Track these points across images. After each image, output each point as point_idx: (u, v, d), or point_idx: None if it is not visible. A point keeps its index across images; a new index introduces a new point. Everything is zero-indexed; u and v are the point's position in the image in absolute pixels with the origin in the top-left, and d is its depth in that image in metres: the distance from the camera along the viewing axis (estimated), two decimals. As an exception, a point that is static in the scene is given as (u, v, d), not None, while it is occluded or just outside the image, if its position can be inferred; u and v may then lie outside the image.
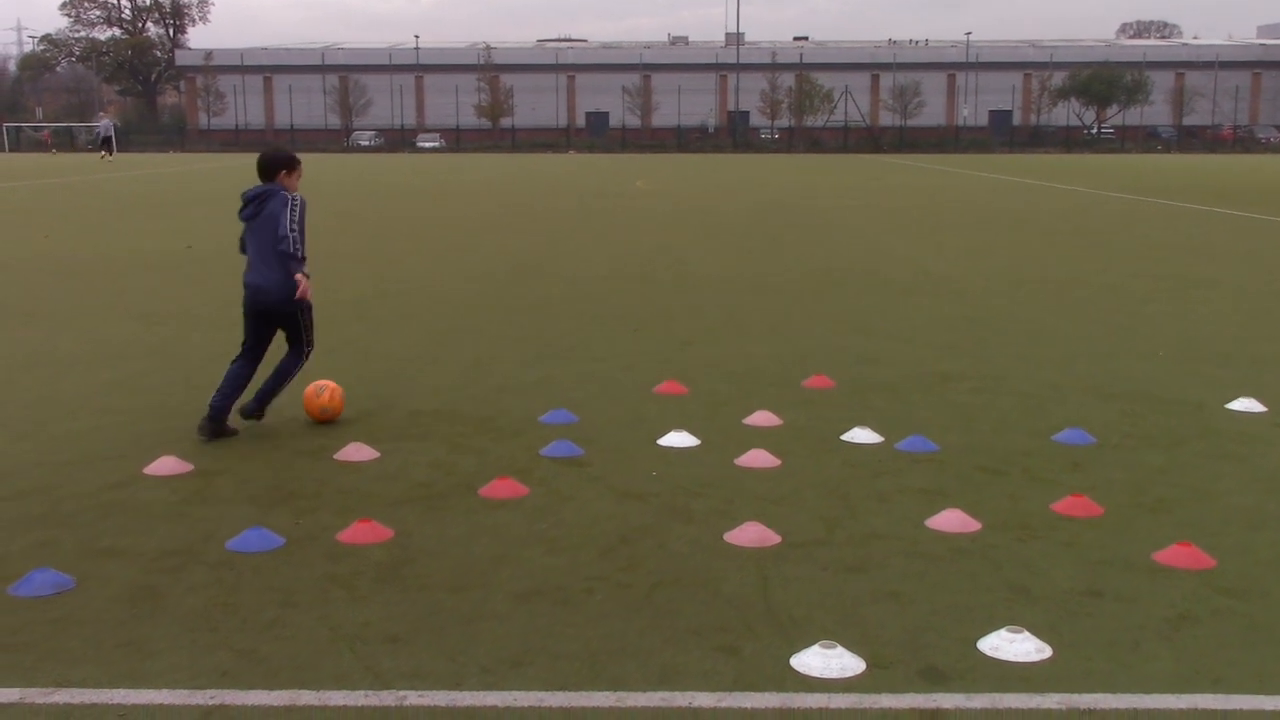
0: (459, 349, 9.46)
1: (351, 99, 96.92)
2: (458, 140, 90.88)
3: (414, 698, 3.64)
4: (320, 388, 7.10)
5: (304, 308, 6.89)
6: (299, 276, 6.70)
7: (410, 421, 7.12)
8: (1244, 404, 7.44)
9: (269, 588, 4.51)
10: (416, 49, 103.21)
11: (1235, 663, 3.88)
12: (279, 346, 7.03)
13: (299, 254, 6.68)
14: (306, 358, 7.06)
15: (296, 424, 7.02)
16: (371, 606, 4.34)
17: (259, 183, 6.88)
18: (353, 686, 3.71)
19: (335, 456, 6.31)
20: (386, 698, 3.64)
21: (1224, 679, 3.77)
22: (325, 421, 7.06)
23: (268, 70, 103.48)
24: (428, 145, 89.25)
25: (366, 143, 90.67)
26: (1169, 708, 3.58)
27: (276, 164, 6.86)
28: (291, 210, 6.68)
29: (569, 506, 5.50)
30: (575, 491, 5.72)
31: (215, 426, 6.70)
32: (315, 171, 48.83)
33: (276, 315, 6.86)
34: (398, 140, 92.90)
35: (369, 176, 44.14)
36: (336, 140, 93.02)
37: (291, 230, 6.64)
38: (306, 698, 3.64)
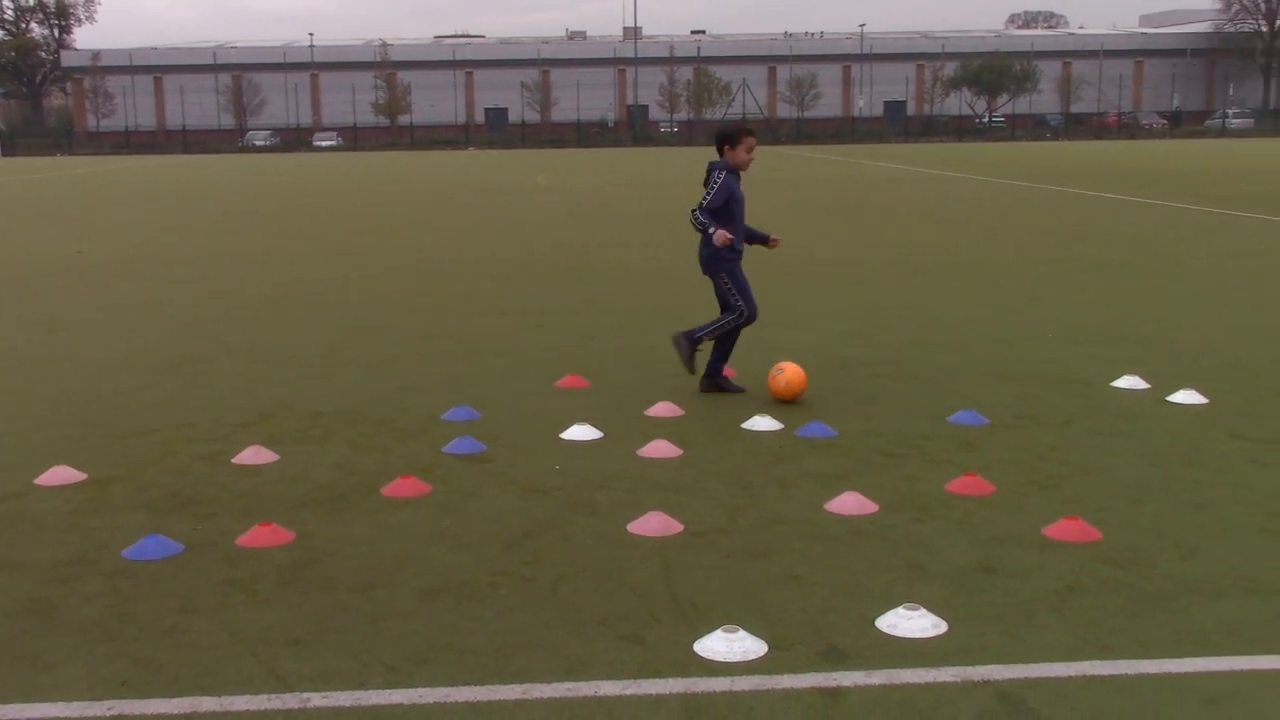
0: (360, 348, 9.38)
1: (245, 99, 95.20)
2: (355, 139, 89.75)
3: (318, 700, 3.62)
4: (779, 369, 7.33)
5: (721, 274, 7.47)
6: (715, 234, 7.20)
7: (311, 422, 7.05)
8: (1129, 381, 7.68)
9: (168, 595, 4.45)
10: (311, 47, 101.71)
11: (1120, 630, 4.02)
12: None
13: (698, 219, 7.28)
14: (738, 320, 7.49)
15: (194, 427, 6.92)
16: (273, 610, 4.30)
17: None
18: (255, 691, 3.68)
19: (234, 460, 6.23)
20: (290, 701, 3.62)
21: (1110, 646, 3.90)
22: (787, 400, 7.25)
23: (158, 70, 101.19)
24: (325, 144, 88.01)
25: (262, 143, 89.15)
26: (1058, 676, 3.69)
27: (719, 139, 7.46)
28: (713, 183, 7.27)
29: (472, 503, 5.50)
30: (478, 488, 5.72)
31: (684, 339, 7.58)
32: (210, 173, 47.94)
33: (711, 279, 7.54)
34: (294, 140, 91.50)
35: (265, 177, 43.43)
36: (231, 140, 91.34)
37: (704, 200, 7.27)
38: (208, 704, 3.60)
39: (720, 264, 7.46)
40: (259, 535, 4.99)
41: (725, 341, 7.60)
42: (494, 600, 4.37)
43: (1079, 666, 3.75)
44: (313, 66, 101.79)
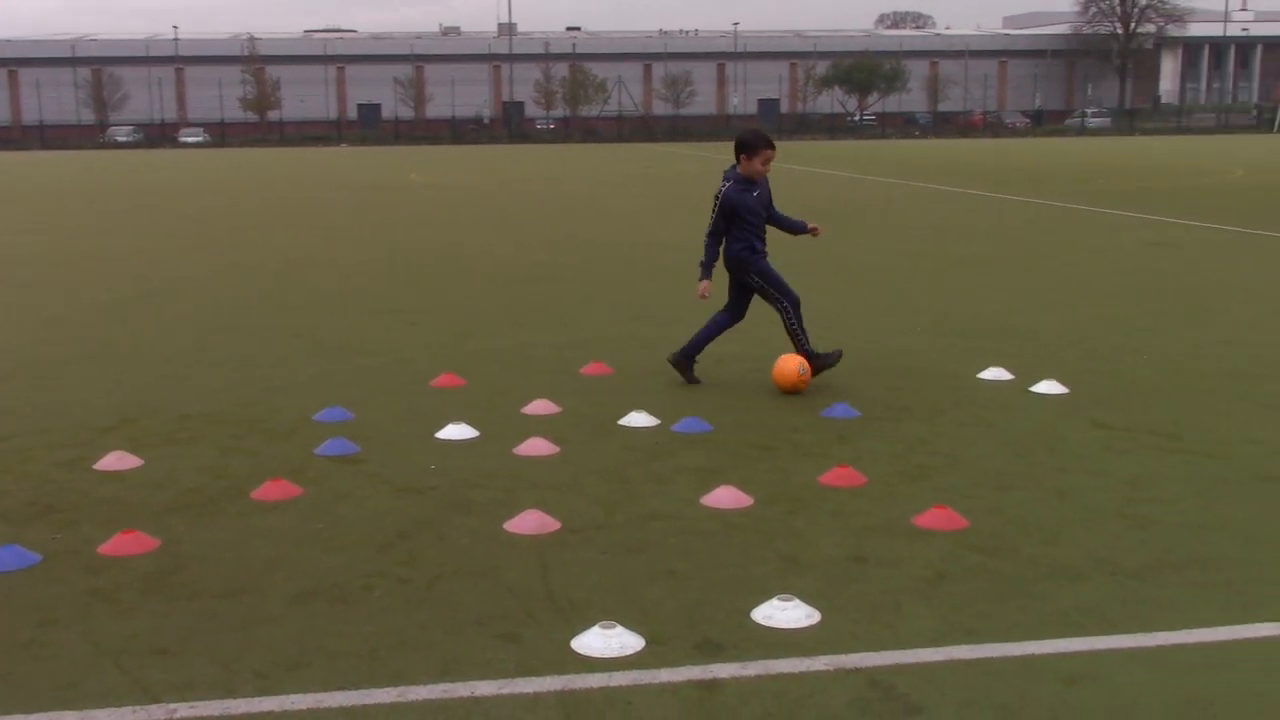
0: (229, 348, 9.17)
1: (106, 93, 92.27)
2: (223, 135, 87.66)
3: (185, 710, 3.53)
4: (803, 365, 7.48)
5: (751, 274, 7.64)
6: (698, 288, 7.67)
7: (177, 426, 6.86)
8: (993, 373, 7.89)
9: (26, 607, 4.28)
10: (175, 40, 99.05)
11: (987, 615, 4.13)
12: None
13: (705, 253, 7.56)
14: (788, 313, 7.63)
15: (52, 433, 6.68)
16: (138, 619, 4.18)
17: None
18: (119, 703, 3.57)
19: (95, 466, 6.02)
20: (156, 712, 3.51)
21: (977, 630, 4.00)
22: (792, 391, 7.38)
23: (12, 64, 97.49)
24: (191, 140, 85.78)
25: (124, 138, 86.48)
26: (927, 661, 3.78)
27: (737, 145, 7.52)
28: (715, 201, 7.50)
29: (345, 504, 5.41)
30: (351, 489, 5.63)
31: (680, 361, 7.75)
32: (71, 170, 46.36)
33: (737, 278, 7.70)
34: (158, 136, 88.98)
35: (129, 174, 42.16)
36: (92, 137, 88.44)
37: (708, 230, 7.55)
38: (69, 718, 3.48)
39: (745, 265, 7.59)
40: (122, 543, 4.84)
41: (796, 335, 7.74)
42: (368, 603, 4.30)
43: (947, 651, 3.84)
44: (177, 60, 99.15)
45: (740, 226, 7.52)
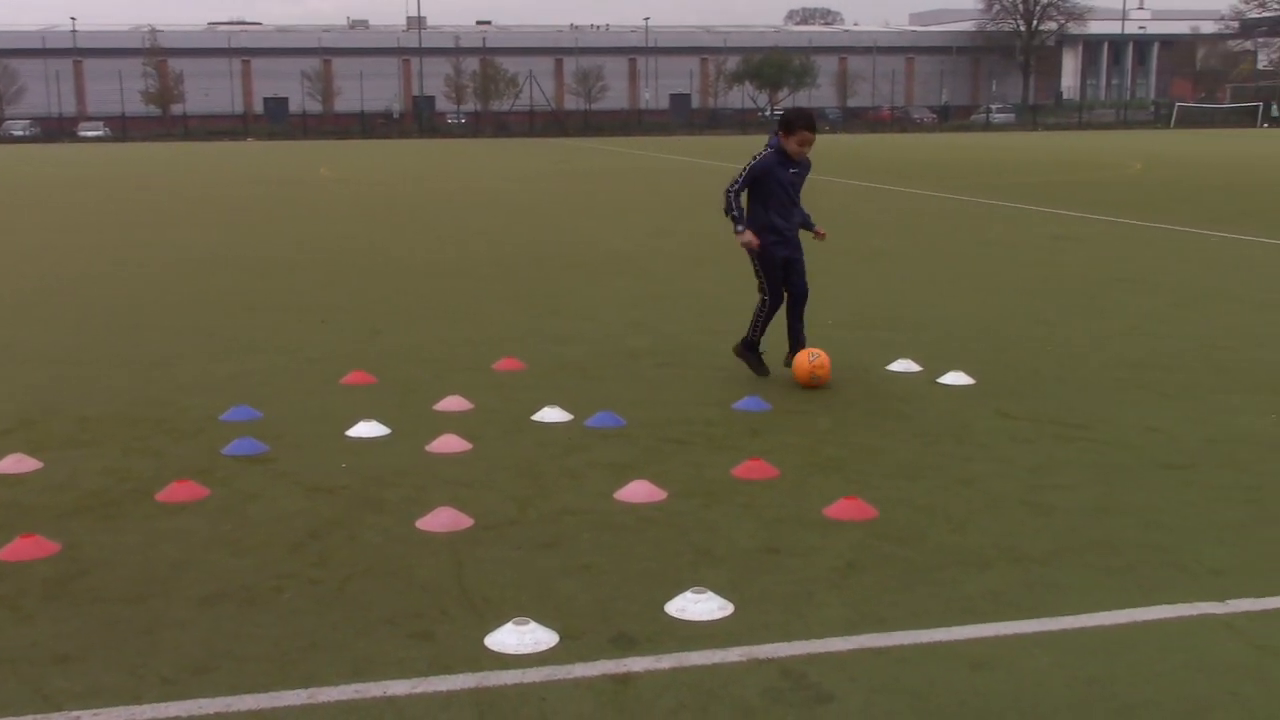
0: (134, 348, 8.97)
1: (1, 86, 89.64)
2: (124, 129, 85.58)
3: (88, 717, 3.45)
4: (813, 353, 7.48)
5: (754, 255, 7.60)
6: (739, 235, 7.48)
7: (79, 427, 6.70)
8: (902, 365, 8.01)
9: (-81, 616, 4.16)
10: (73, 32, 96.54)
11: (897, 603, 4.20)
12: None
13: (727, 201, 7.45)
14: (762, 307, 7.71)
15: (-53, 438, 6.48)
16: (38, 625, 4.07)
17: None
18: (19, 712, 3.48)
19: (-7, 470, 5.86)
20: (58, 720, 3.44)
21: (887, 619, 4.07)
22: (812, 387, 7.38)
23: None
24: (91, 134, 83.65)
25: (20, 133, 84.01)
26: (838, 650, 3.83)
27: (779, 120, 7.55)
28: (750, 162, 7.46)
29: (254, 505, 5.33)
30: (260, 489, 5.55)
31: (742, 349, 7.83)
32: (-38, 164, 44.97)
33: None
34: (56, 130, 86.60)
35: (26, 168, 41.02)
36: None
37: (731, 184, 7.47)
38: (-34, 729, 3.39)
39: (750, 248, 7.58)
40: (21, 548, 4.71)
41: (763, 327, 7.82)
42: (278, 604, 4.25)
43: (857, 640, 3.90)
44: (76, 53, 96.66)
45: (765, 197, 7.53)
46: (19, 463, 5.91)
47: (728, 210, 7.46)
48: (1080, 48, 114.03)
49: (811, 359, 7.46)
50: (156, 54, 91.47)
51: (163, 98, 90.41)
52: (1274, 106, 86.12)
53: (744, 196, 7.57)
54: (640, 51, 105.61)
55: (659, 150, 53.07)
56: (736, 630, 3.98)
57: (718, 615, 4.08)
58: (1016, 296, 11.09)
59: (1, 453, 6.07)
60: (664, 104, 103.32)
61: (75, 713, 3.47)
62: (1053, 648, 3.85)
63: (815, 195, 24.41)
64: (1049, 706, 3.48)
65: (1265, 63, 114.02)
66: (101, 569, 4.59)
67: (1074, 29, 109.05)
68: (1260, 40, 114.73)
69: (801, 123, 7.46)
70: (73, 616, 4.15)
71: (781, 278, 7.74)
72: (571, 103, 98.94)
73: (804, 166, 7.67)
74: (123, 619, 4.13)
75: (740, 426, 6.61)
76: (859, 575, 4.46)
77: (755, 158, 7.50)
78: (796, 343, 7.79)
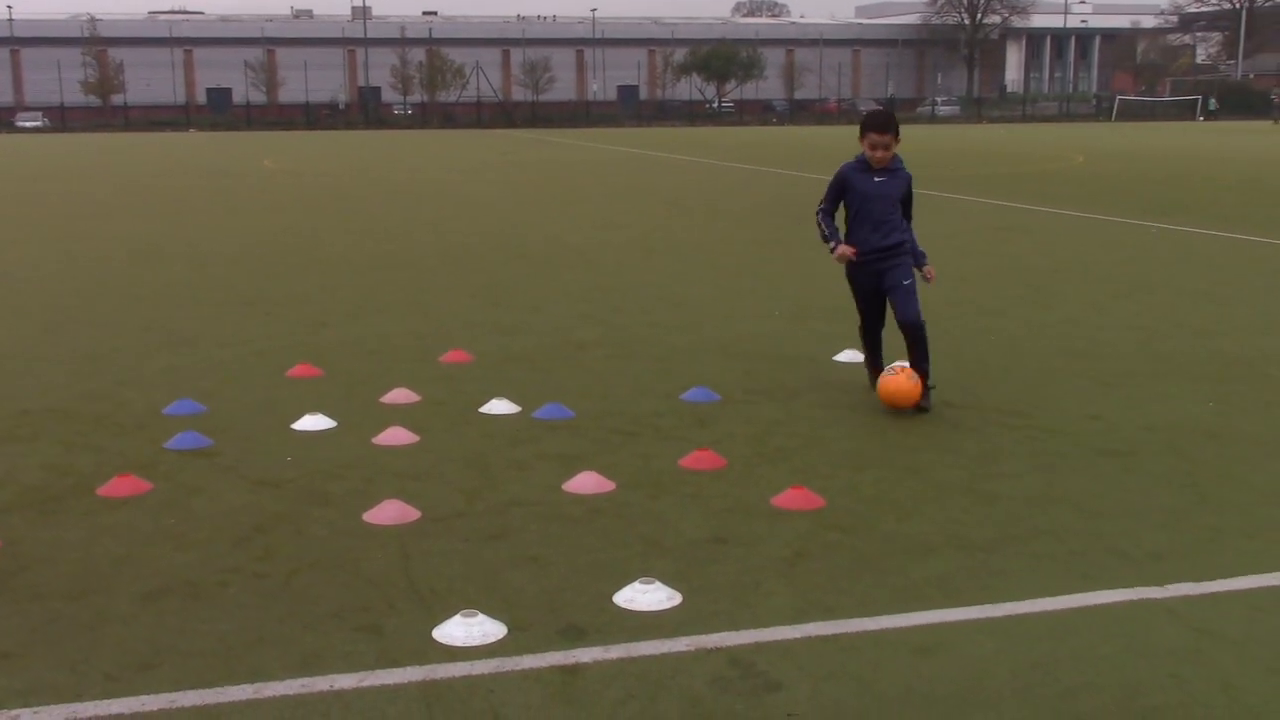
0: (72, 341, 8.83)
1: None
2: (63, 119, 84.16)
3: (29, 716, 3.40)
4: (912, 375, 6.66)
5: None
6: (833, 251, 6.85)
7: (17, 421, 6.59)
8: (848, 355, 8.06)
9: None
10: (10, 20, 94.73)
11: (844, 591, 4.23)
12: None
13: (819, 224, 6.91)
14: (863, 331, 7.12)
15: (-119, 433, 6.35)
16: (-23, 623, 4.01)
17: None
18: (-43, 711, 3.42)
19: (-72, 466, 5.76)
20: (-3, 718, 3.38)
21: (833, 607, 4.10)
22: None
23: None
24: (29, 125, 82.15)
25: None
26: (786, 638, 3.85)
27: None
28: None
29: (198, 499, 5.27)
30: (204, 483, 5.49)
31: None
32: (-105, 155, 44.04)
33: None
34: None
35: (-39, 160, 40.20)
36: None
37: (818, 205, 6.94)
38: (-98, 729, 3.33)
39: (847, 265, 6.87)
40: (-41, 545, 4.63)
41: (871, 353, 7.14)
42: (223, 599, 4.21)
43: (804, 628, 3.93)
44: (13, 42, 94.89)
45: (850, 212, 6.79)
46: (-45, 458, 5.79)
47: (821, 235, 6.86)
48: (1024, 41, 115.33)
49: (911, 379, 6.61)
50: (96, 43, 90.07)
51: (103, 88, 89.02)
52: (1211, 100, 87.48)
53: (839, 215, 6.92)
54: (588, 43, 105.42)
55: (607, 141, 52.99)
56: (684, 620, 3.99)
57: (665, 605, 4.09)
58: (962, 287, 11.18)
59: (-63, 448, 5.96)
60: (612, 95, 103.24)
61: (15, 711, 3.42)
62: (997, 633, 3.90)
63: (766, 187, 24.50)
64: (993, 691, 3.52)
65: (1204, 57, 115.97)
66: (41, 565, 4.52)
67: (1017, 23, 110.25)
68: (1199, 34, 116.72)
69: (868, 123, 6.68)
70: (12, 614, 4.08)
71: (872, 305, 6.98)
72: (519, 94, 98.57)
73: (895, 176, 6.74)
74: (64, 615, 4.07)
75: (688, 417, 6.62)
76: (807, 564, 4.48)
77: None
78: (880, 367, 6.97)
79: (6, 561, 4.55)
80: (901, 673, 3.63)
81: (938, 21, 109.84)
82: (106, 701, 3.47)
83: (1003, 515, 5.02)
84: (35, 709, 3.43)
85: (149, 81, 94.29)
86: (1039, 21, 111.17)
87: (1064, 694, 3.51)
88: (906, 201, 6.90)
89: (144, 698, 3.50)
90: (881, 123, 6.67)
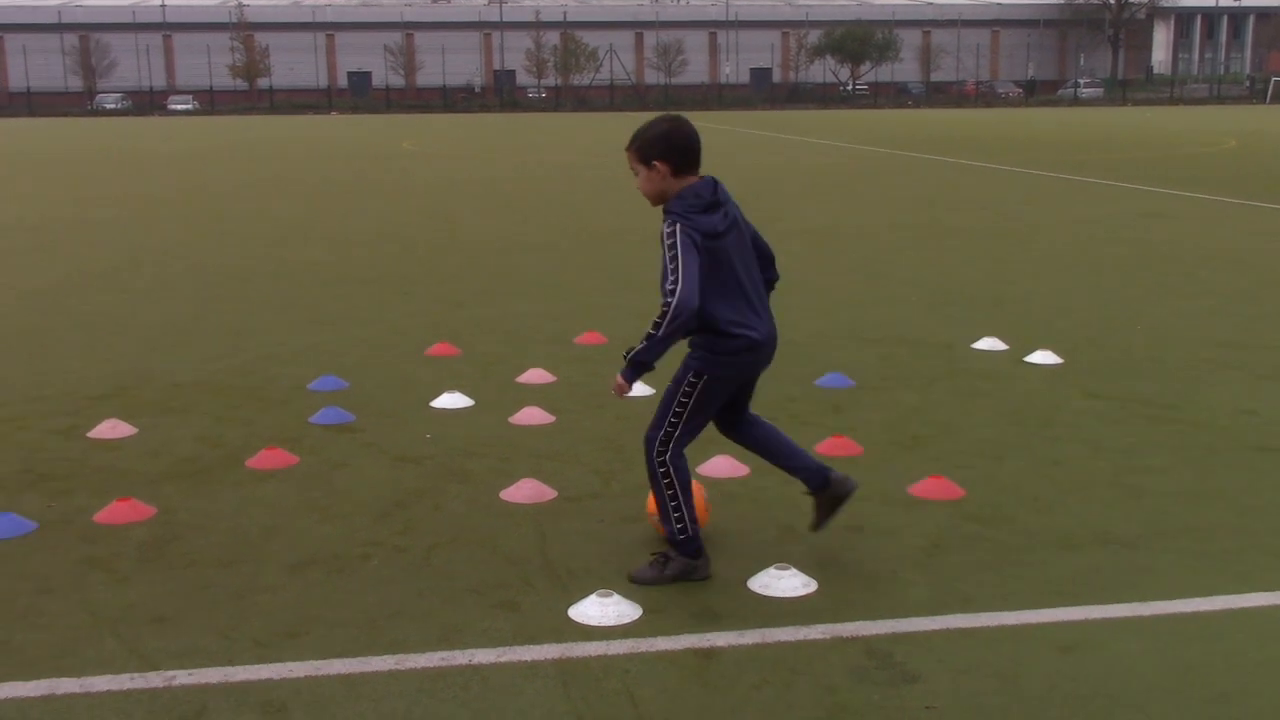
0: (220, 318, 9.13)
1: (94, 60, 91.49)
2: (212, 102, 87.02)
3: (183, 677, 3.53)
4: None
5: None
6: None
7: (170, 394, 6.84)
8: (988, 343, 7.89)
9: (21, 575, 4.28)
10: (163, 6, 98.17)
11: (983, 584, 4.15)
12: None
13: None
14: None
15: (44, 401, 6.66)
16: (135, 587, 4.17)
17: (697, 172, 4.27)
18: (117, 670, 3.57)
19: (89, 435, 6.01)
20: (154, 679, 3.52)
21: (973, 599, 4.02)
22: None
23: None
24: (179, 108, 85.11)
25: (112, 105, 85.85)
26: (924, 630, 3.79)
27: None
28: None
29: (341, 473, 5.41)
30: (347, 458, 5.63)
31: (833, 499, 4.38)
32: (60, 136, 46.03)
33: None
34: (146, 103, 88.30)
35: (118, 141, 41.86)
36: (79, 104, 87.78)
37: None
38: (67, 685, 3.48)
39: None
40: (117, 511, 4.83)
41: None
42: (365, 571, 4.31)
43: (943, 620, 3.86)
44: (165, 27, 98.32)
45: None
46: (114, 428, 6.05)
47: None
48: (1172, 20, 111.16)
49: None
50: (243, 29, 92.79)
51: (249, 71, 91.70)
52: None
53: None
54: (721, 25, 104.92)
55: (739, 125, 52.73)
56: (820, 607, 3.96)
57: (801, 592, 4.06)
58: (1105, 274, 10.87)
59: (97, 418, 6.22)
60: (744, 78, 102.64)
61: (171, 672, 3.55)
62: (1144, 633, 3.78)
63: (902, 171, 24.13)
64: (1140, 692, 3.41)
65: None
66: (194, 533, 4.69)
67: (1165, 1, 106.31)
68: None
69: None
70: (167, 579, 4.24)
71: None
72: (651, 77, 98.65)
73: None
74: (215, 582, 4.21)
75: (823, 403, 6.56)
76: (945, 555, 4.41)
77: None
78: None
79: (162, 530, 4.73)
80: (1044, 669, 3.54)
81: (1081, 1, 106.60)
82: (256, 667, 3.59)
83: (1150, 511, 4.86)
84: (190, 671, 3.56)
85: (292, 65, 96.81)
86: (1189, 0, 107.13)
87: (1216, 698, 3.39)
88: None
89: (291, 664, 3.60)
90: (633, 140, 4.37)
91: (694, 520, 4.16)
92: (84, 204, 18.56)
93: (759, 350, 4.30)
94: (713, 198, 4.17)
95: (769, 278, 4.50)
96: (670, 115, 4.44)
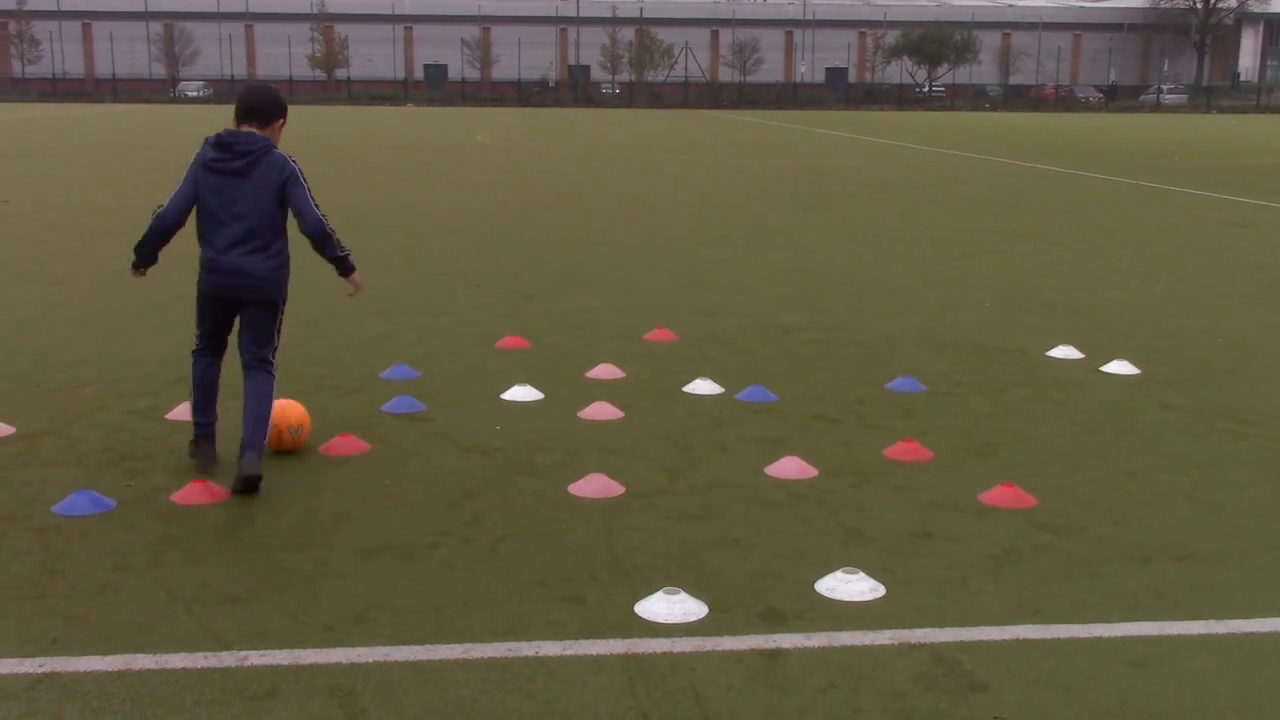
0: (295, 305, 9.10)
1: (177, 48, 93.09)
2: (291, 92, 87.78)
3: (255, 658, 3.59)
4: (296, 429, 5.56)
5: (284, 300, 5.51)
6: (355, 277, 5.54)
7: (246, 380, 6.93)
8: (1064, 351, 7.78)
9: (100, 552, 4.38)
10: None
11: (1054, 595, 4.10)
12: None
13: (336, 243, 5.40)
14: (273, 361, 5.46)
15: (125, 382, 6.79)
16: (209, 568, 4.25)
17: (239, 125, 5.26)
18: (191, 649, 3.64)
19: (167, 416, 6.13)
20: (227, 659, 3.58)
21: (1044, 610, 3.97)
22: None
23: (86, 16, 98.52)
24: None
25: (195, 93, 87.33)
26: (993, 639, 3.76)
27: (278, 107, 5.37)
28: (305, 183, 5.34)
29: (412, 462, 5.46)
30: (418, 447, 5.68)
31: (212, 447, 5.30)
32: (145, 122, 46.90)
33: (251, 305, 5.34)
34: (228, 92, 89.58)
35: (202, 129, 42.54)
36: (162, 91, 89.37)
37: (318, 209, 5.32)
38: (143, 661, 3.55)
39: None
40: (194, 492, 4.92)
41: None
42: (434, 560, 4.35)
43: (1013, 630, 3.82)
44: (247, 17, 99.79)
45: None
46: (186, 411, 6.13)
47: (338, 245, 5.62)
48: (1261, 27, 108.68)
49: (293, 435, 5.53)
50: (323, 20, 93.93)
51: (328, 62, 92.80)
52: None
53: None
54: (797, 24, 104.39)
55: (814, 124, 52.45)
56: (888, 613, 3.93)
57: (869, 596, 4.04)
58: (1185, 284, 10.67)
59: (175, 400, 6.35)
60: (819, 77, 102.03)
61: (243, 652, 3.62)
62: (1220, 651, 3.71)
63: (978, 175, 23.85)
64: (1215, 712, 3.35)
65: None
66: (267, 516, 4.76)
67: (1255, 7, 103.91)
68: None
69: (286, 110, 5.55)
70: (241, 561, 4.32)
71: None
72: (726, 75, 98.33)
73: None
74: (287, 566, 4.28)
75: (893, 407, 6.51)
76: (1016, 564, 4.36)
77: (302, 174, 5.54)
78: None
79: (236, 512, 4.81)
80: (1115, 684, 3.49)
81: (1167, 5, 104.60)
82: (326, 650, 3.64)
83: (1227, 526, 4.77)
84: (262, 652, 3.62)
85: (370, 57, 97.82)
86: (1278, 6, 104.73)
87: (1293, 720, 3.31)
88: None
89: (360, 649, 3.65)
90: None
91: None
92: (168, 190, 18.88)
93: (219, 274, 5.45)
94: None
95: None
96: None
